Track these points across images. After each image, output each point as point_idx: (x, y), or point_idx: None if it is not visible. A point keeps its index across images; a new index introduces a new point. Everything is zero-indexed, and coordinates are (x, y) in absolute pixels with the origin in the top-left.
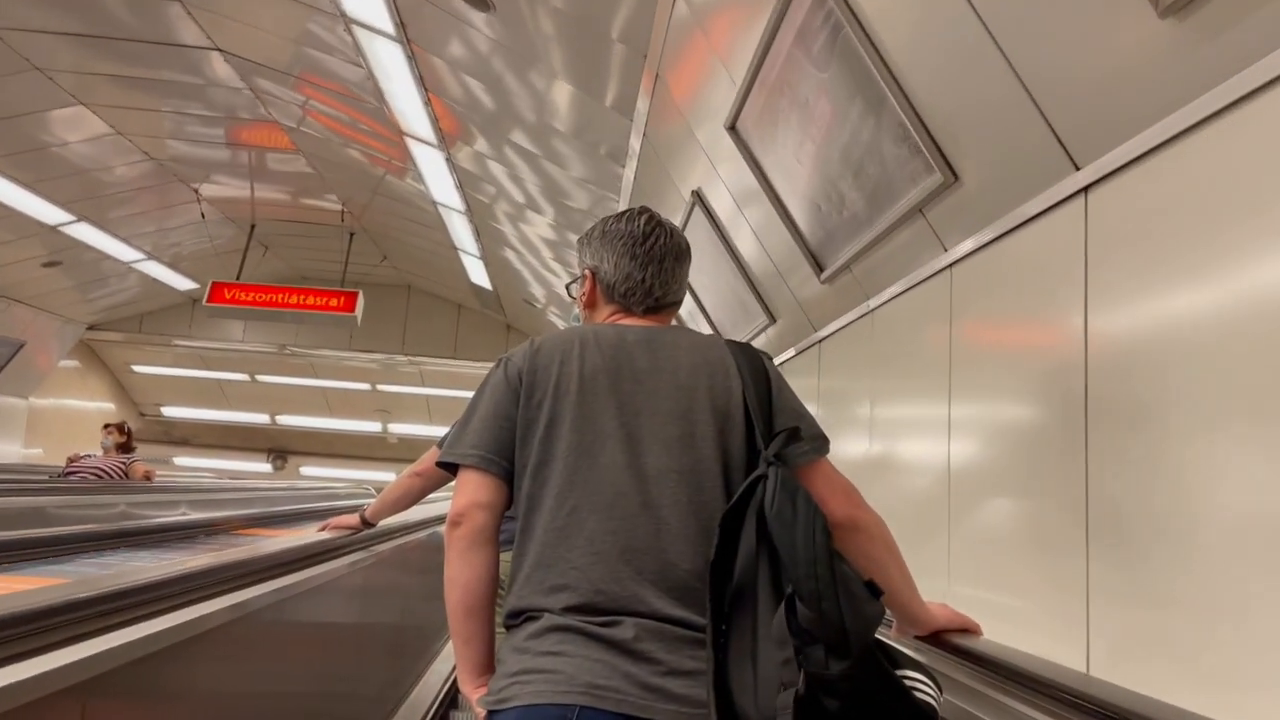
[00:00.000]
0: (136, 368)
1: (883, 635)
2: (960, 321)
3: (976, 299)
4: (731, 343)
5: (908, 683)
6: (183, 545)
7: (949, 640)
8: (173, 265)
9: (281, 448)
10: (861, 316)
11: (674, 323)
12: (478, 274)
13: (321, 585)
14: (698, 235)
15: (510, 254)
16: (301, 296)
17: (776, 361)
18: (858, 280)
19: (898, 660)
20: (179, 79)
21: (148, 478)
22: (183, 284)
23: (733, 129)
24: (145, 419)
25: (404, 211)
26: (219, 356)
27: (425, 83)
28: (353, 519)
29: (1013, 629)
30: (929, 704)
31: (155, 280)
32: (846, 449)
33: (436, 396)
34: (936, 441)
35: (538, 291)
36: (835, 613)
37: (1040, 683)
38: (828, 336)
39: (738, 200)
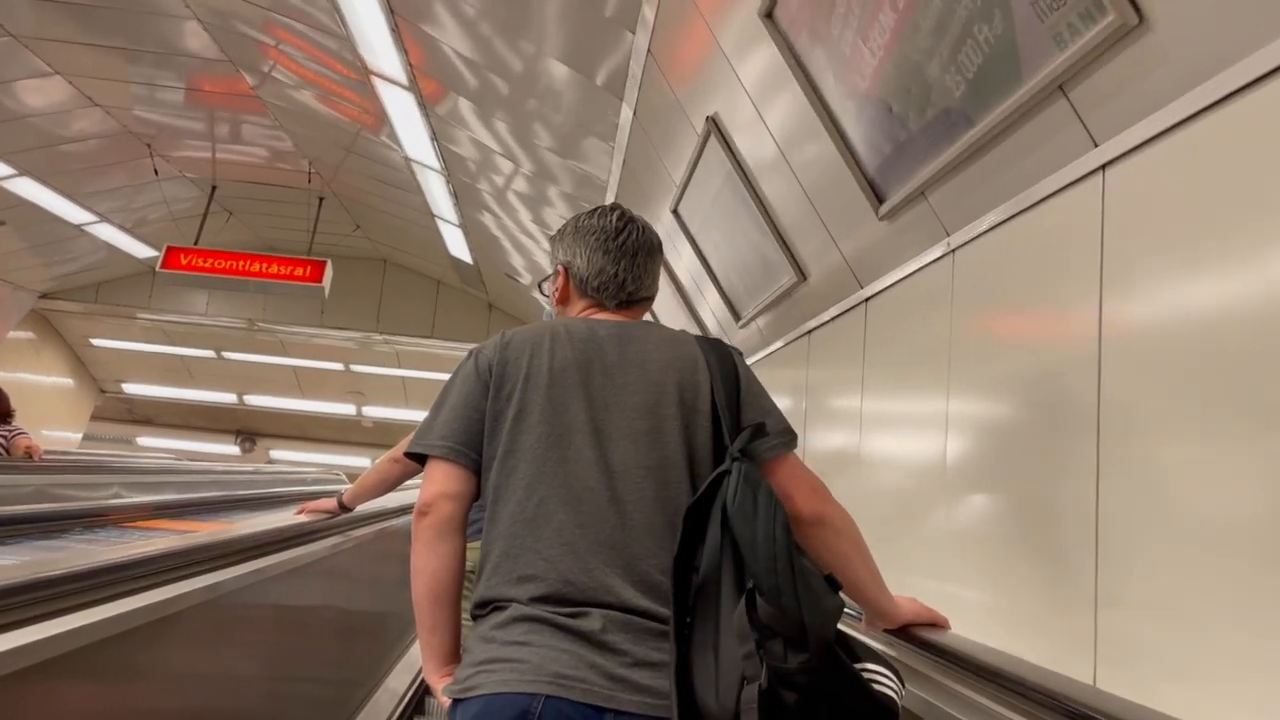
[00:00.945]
0: (96, 341)
1: (853, 628)
2: (1120, 251)
3: (1156, 212)
4: (702, 339)
5: (867, 675)
6: (46, 540)
7: (916, 634)
8: (129, 230)
9: (249, 429)
10: (938, 259)
11: (648, 317)
12: (457, 245)
13: (294, 570)
14: (710, 176)
15: (489, 219)
16: (265, 264)
17: (806, 327)
18: (934, 210)
19: (859, 654)
20: (126, 7)
21: (30, 454)
22: (141, 251)
23: (769, 16)
24: (106, 396)
25: (378, 173)
26: (183, 331)
27: (392, 4)
28: (330, 503)
29: None
30: (889, 696)
31: (111, 246)
32: (896, 448)
33: (413, 379)
34: (1063, 461)
35: (519, 263)
36: (794, 607)
37: (1006, 678)
38: (880, 293)
39: (767, 120)
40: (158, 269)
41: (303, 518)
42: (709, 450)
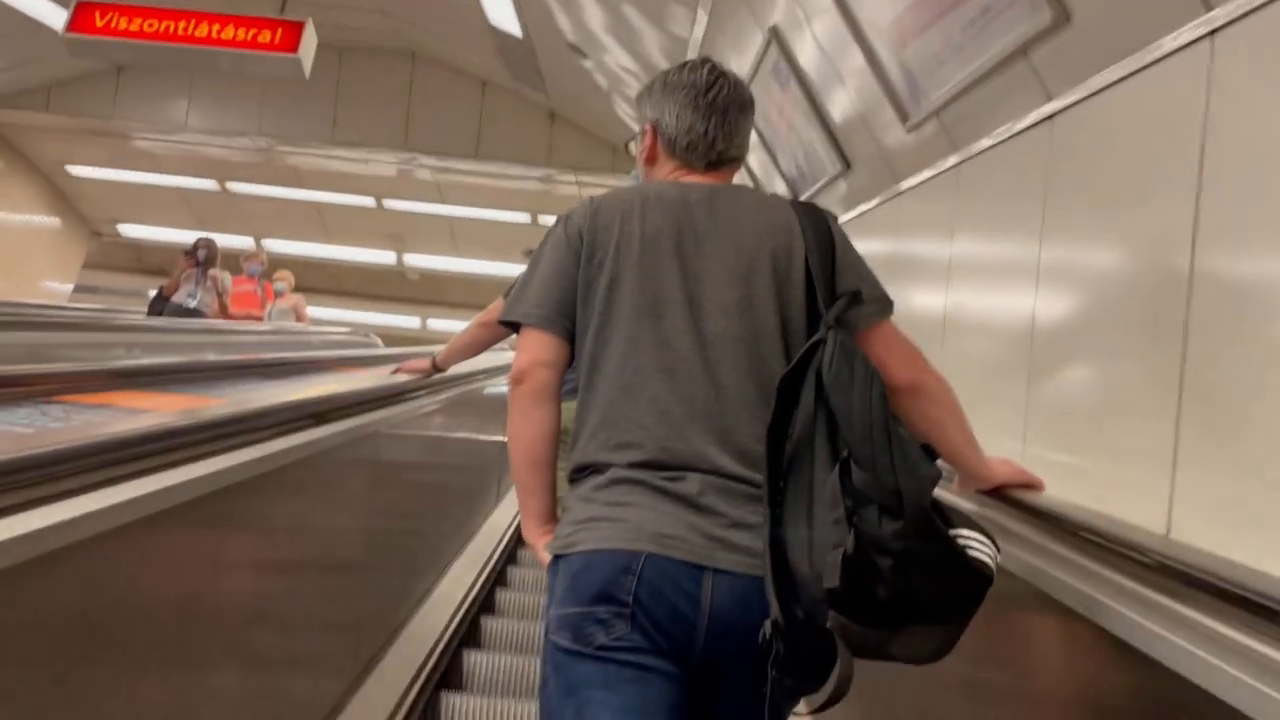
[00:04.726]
0: (73, 169)
1: (944, 490)
2: None
3: None
4: (796, 203)
5: (962, 541)
6: None
7: (1010, 495)
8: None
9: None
10: None
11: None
12: (498, 5)
13: (395, 426)
14: None
15: None
16: (215, 26)
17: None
18: None
19: (953, 520)
20: None
21: None
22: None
23: None
24: (103, 240)
25: None
26: (174, 155)
27: None
28: (424, 363)
29: None
30: (984, 562)
31: (41, 25)
32: None
33: (462, 219)
34: None
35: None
36: (889, 475)
37: (1100, 535)
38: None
39: None
40: (64, 33)
41: (400, 377)
42: (803, 319)
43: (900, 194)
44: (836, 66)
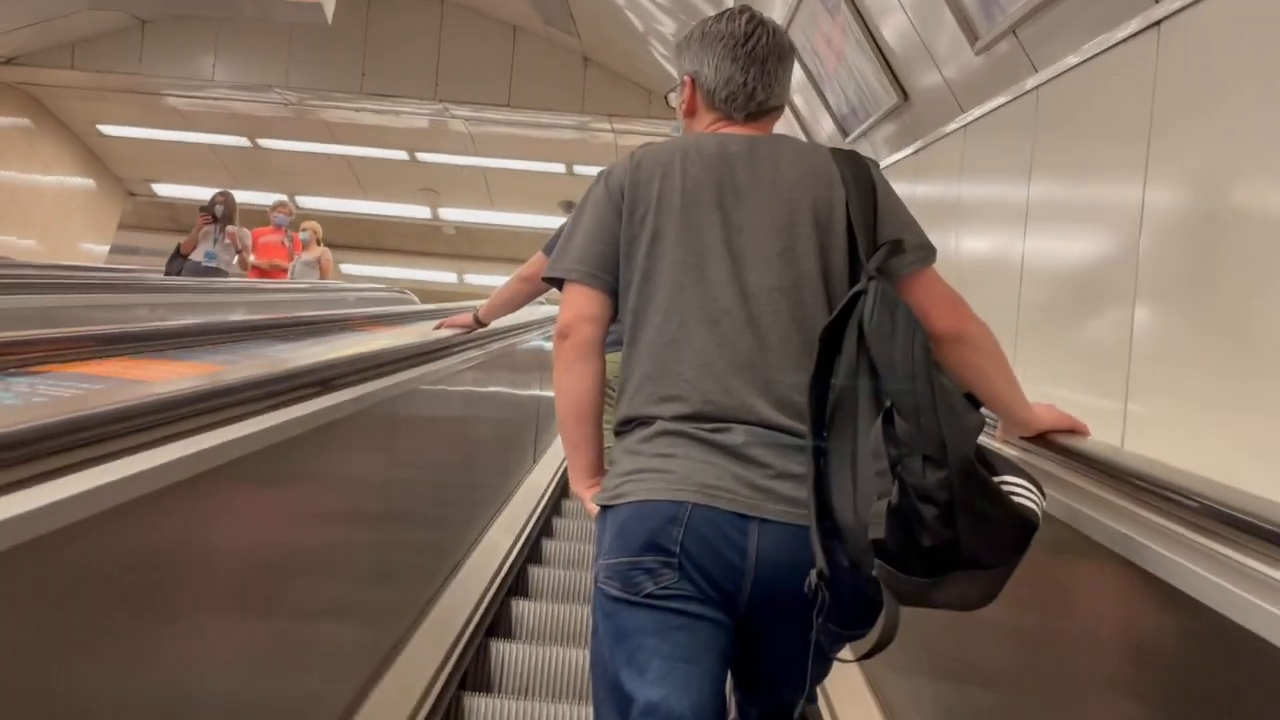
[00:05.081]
0: (105, 129)
1: (989, 436)
2: None
3: None
4: (836, 151)
5: (1007, 488)
6: None
7: (1055, 441)
8: None
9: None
10: None
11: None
12: None
13: (438, 380)
14: None
15: None
16: None
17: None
18: None
19: (998, 467)
20: None
21: None
22: None
23: None
24: (137, 200)
25: None
26: (204, 112)
27: None
28: (466, 318)
29: None
30: (1029, 508)
31: None
32: None
33: (495, 170)
34: None
35: None
36: (933, 425)
37: (1148, 480)
38: None
39: None
40: None
41: (443, 332)
42: (845, 268)
43: (966, 126)
44: None
